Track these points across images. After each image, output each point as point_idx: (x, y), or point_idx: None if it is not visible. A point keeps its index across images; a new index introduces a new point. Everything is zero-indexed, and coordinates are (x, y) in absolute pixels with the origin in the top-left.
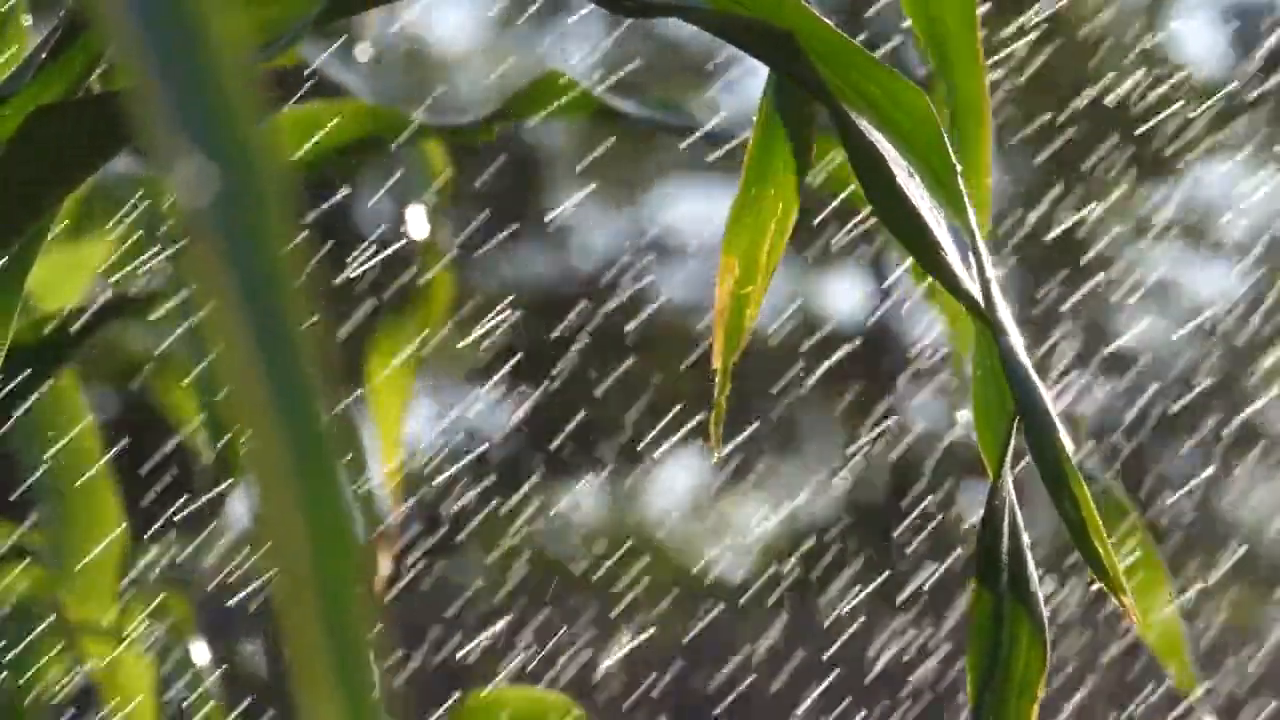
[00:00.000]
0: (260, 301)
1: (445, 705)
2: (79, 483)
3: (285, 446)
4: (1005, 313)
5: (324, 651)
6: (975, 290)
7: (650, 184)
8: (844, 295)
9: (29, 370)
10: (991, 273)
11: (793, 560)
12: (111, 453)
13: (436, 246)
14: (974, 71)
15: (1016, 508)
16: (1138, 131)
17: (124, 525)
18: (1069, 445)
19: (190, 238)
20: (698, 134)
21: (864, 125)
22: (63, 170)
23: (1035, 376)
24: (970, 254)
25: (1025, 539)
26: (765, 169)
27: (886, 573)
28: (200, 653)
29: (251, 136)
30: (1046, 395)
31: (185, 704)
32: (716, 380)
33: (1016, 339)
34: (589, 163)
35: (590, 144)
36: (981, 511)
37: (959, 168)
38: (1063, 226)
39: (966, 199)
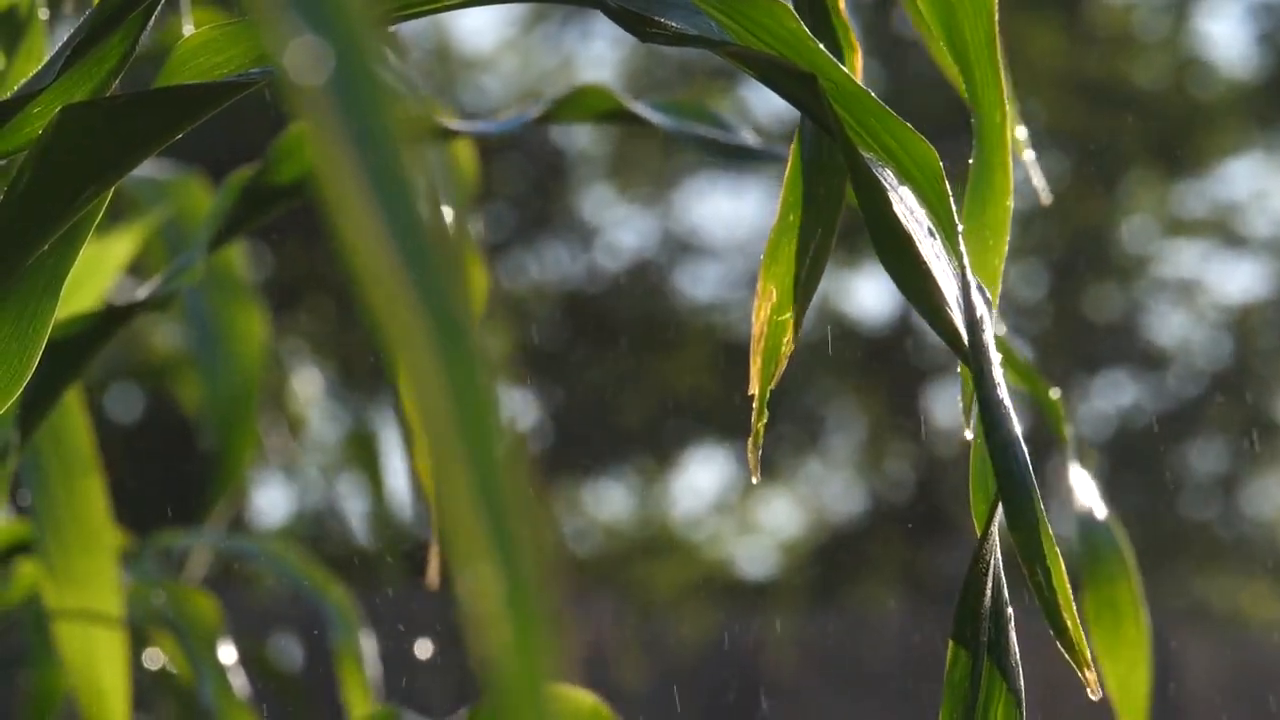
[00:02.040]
0: (378, 170)
1: (472, 703)
2: (67, 474)
3: (419, 311)
4: (994, 370)
5: (477, 514)
6: (965, 338)
7: (678, 180)
8: (870, 294)
9: (56, 367)
10: (986, 321)
11: (819, 558)
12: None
13: (468, 240)
14: (997, 100)
15: (1001, 571)
16: (1166, 129)
17: (110, 518)
18: (1046, 515)
19: (305, 115)
20: (733, 155)
21: (879, 171)
22: (93, 168)
23: (1019, 438)
24: (963, 304)
25: (1008, 605)
26: (805, 196)
27: (913, 570)
28: (227, 651)
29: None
30: (1027, 459)
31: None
32: (754, 406)
33: (1005, 399)
34: (616, 159)
35: (617, 140)
36: (966, 572)
37: (960, 227)
38: (1092, 223)
39: (965, 258)
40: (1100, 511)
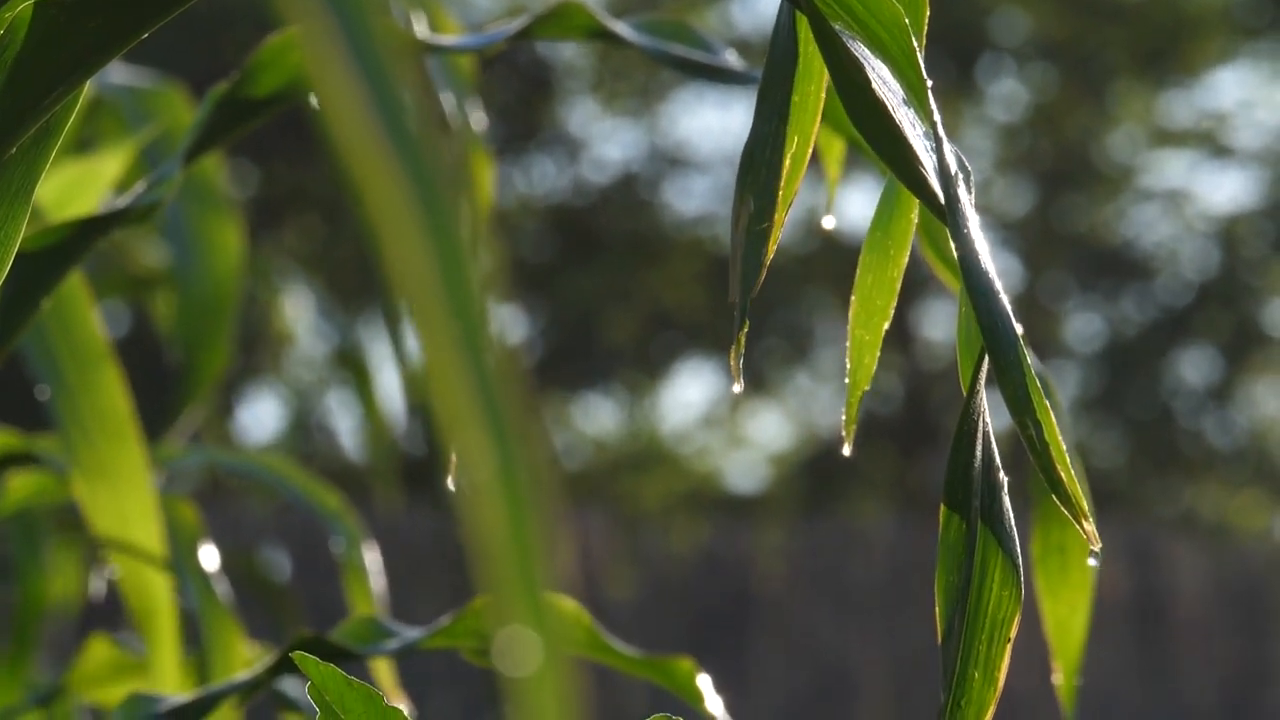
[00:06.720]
0: (365, 60)
1: (458, 610)
2: (81, 365)
3: (405, 191)
4: (971, 223)
5: (471, 404)
6: (939, 193)
7: (665, 93)
8: (857, 206)
9: (34, 276)
10: (961, 178)
11: (807, 471)
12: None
13: (472, 132)
14: None
15: (991, 434)
16: (1153, 39)
17: (140, 436)
18: (1035, 364)
19: (292, 17)
20: (714, 76)
21: (851, 44)
22: (61, 65)
23: (999, 290)
24: (936, 161)
25: (999, 468)
26: (780, 104)
27: (902, 483)
28: (210, 558)
29: None
30: (1009, 310)
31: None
32: (735, 315)
33: (983, 251)
34: (602, 72)
35: (604, 53)
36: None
37: (930, 82)
38: (1079, 134)
39: (936, 115)
40: None
